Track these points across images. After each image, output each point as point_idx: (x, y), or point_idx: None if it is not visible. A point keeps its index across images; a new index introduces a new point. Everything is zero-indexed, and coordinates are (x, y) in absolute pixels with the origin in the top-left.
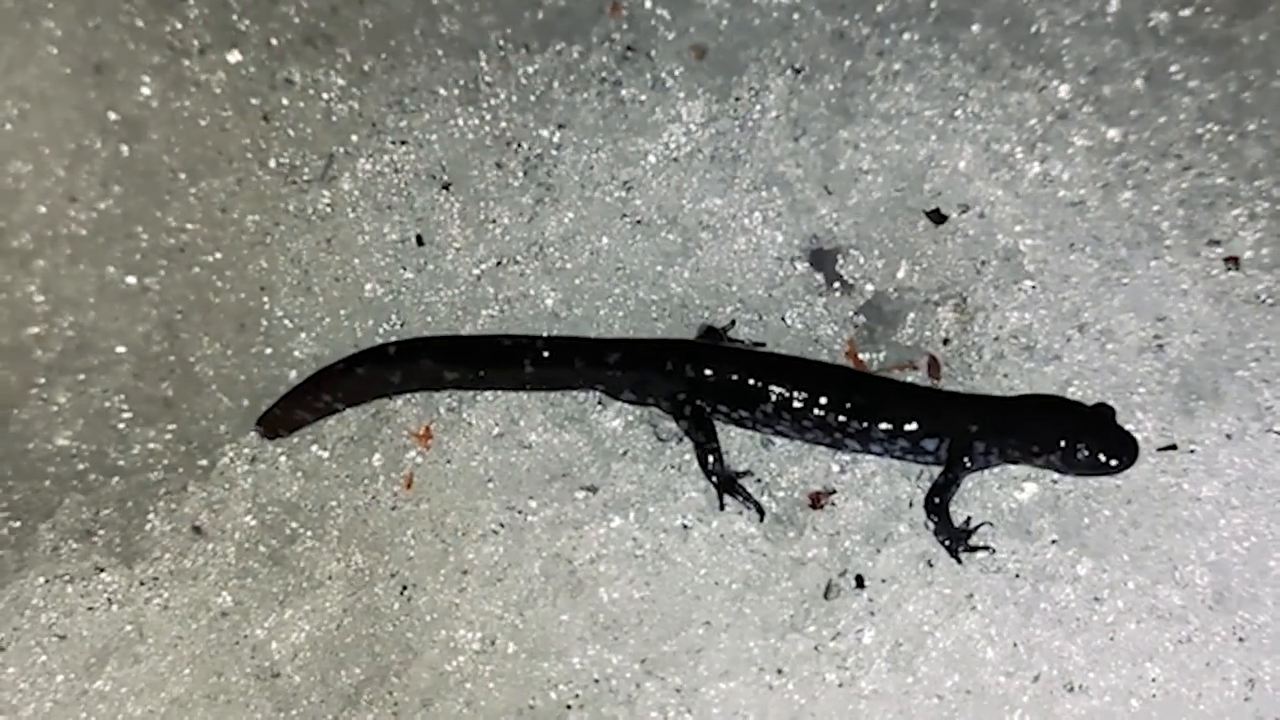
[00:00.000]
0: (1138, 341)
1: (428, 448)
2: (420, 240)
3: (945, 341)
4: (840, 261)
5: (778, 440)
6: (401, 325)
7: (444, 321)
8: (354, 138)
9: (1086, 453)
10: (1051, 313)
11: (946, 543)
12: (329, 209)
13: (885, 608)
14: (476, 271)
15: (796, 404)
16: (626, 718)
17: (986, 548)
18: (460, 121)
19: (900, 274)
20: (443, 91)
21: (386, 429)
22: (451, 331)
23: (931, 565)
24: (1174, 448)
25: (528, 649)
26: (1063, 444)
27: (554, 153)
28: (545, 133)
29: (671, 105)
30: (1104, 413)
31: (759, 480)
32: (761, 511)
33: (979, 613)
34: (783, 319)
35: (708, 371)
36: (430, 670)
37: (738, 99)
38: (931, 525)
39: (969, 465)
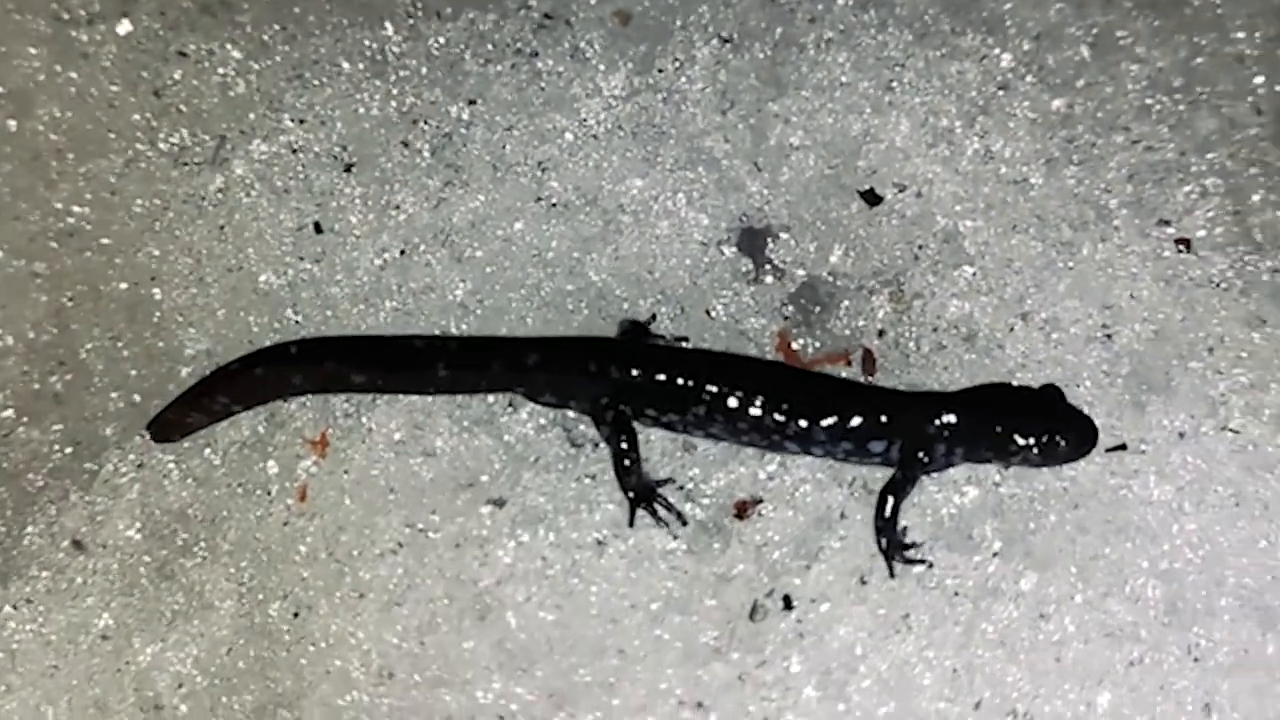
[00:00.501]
0: (1085, 330)
1: (323, 456)
2: (319, 227)
3: (880, 333)
4: (770, 245)
5: (702, 444)
6: (300, 319)
7: (345, 315)
8: (250, 116)
9: (1063, 442)
10: (993, 300)
11: (885, 548)
12: (222, 193)
13: (815, 630)
14: (379, 261)
15: (731, 404)
16: None
17: (923, 561)
18: (365, 97)
19: (834, 258)
20: (346, 65)
21: (281, 434)
22: (354, 326)
23: (865, 582)
24: (1124, 447)
25: (428, 679)
26: (1046, 438)
27: (464, 131)
28: (455, 109)
29: (591, 78)
30: (1054, 394)
31: (681, 488)
32: (684, 521)
33: (916, 634)
34: (707, 311)
35: (634, 372)
36: (323, 706)
37: (661, 70)
38: (878, 525)
39: (927, 464)
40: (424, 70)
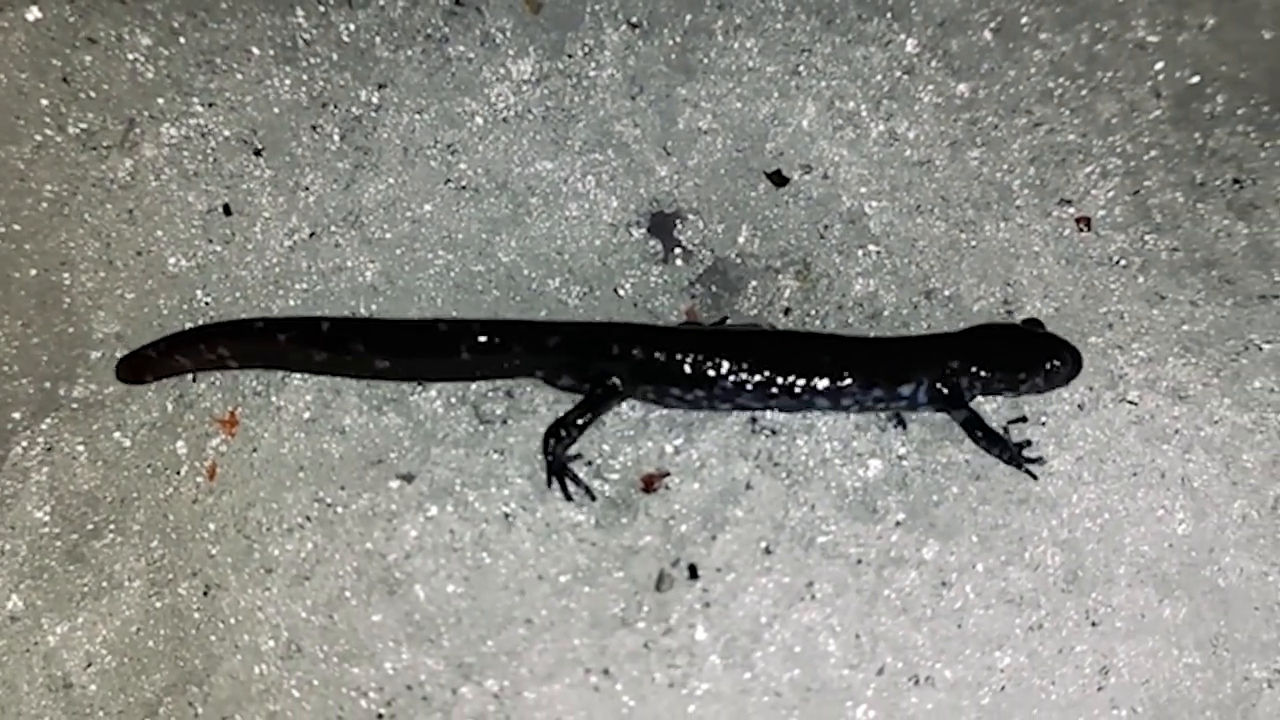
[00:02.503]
0: (987, 308)
1: (233, 435)
2: (228, 210)
3: (787, 311)
4: (679, 227)
5: (607, 419)
6: (209, 301)
7: (255, 296)
8: (159, 101)
9: (1061, 367)
10: (898, 278)
11: (1009, 458)
12: (131, 177)
13: (720, 599)
14: (289, 243)
15: (760, 377)
16: None
17: (1039, 459)
18: (275, 82)
19: (741, 239)
20: (256, 50)
21: (190, 414)
22: (264, 307)
23: (769, 552)
24: (1024, 419)
25: (337, 653)
26: (1048, 366)
27: (373, 115)
28: (365, 94)
29: (501, 63)
30: (1035, 324)
31: (590, 463)
32: (593, 497)
33: (819, 602)
34: (615, 290)
35: (658, 354)
36: (231, 679)
37: (571, 55)
38: (995, 451)
39: (956, 397)
40: (334, 55)
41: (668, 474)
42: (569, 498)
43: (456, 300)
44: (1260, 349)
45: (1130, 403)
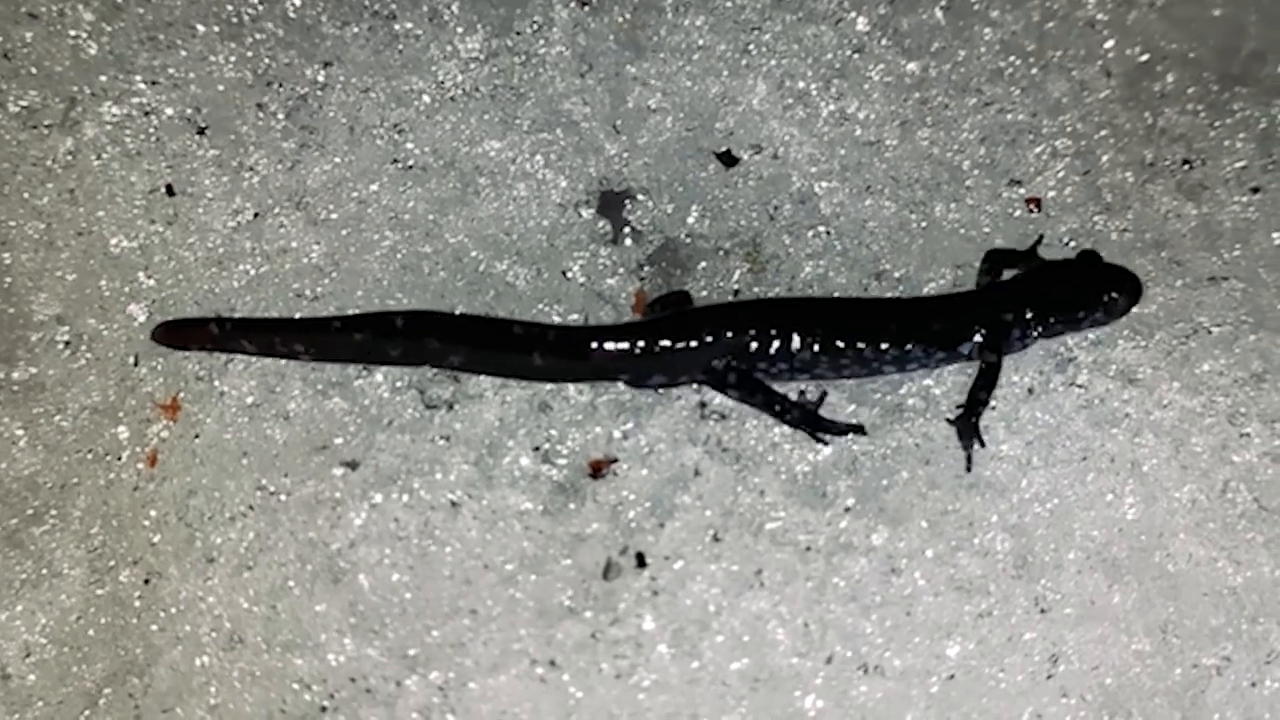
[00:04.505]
0: (938, 289)
1: (175, 420)
2: (171, 190)
3: (736, 293)
4: (628, 207)
5: (555, 405)
6: (152, 282)
7: (198, 278)
8: (102, 78)
9: (1120, 297)
10: (848, 260)
11: (963, 429)
12: (72, 156)
13: (669, 587)
14: (233, 224)
15: (839, 344)
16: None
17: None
18: (219, 59)
19: (691, 220)
20: (201, 27)
21: (132, 399)
22: (207, 289)
23: (718, 540)
24: None
25: (280, 643)
26: (1105, 299)
27: (319, 93)
28: (310, 71)
29: (448, 40)
30: (1093, 257)
31: (536, 448)
32: (862, 430)
33: (768, 590)
34: (564, 272)
35: (752, 332)
36: (172, 670)
37: (519, 33)
38: (969, 412)
39: (1011, 349)
40: (280, 32)
41: (615, 460)
42: (843, 432)
43: (403, 282)
44: (1209, 332)
45: (1079, 387)
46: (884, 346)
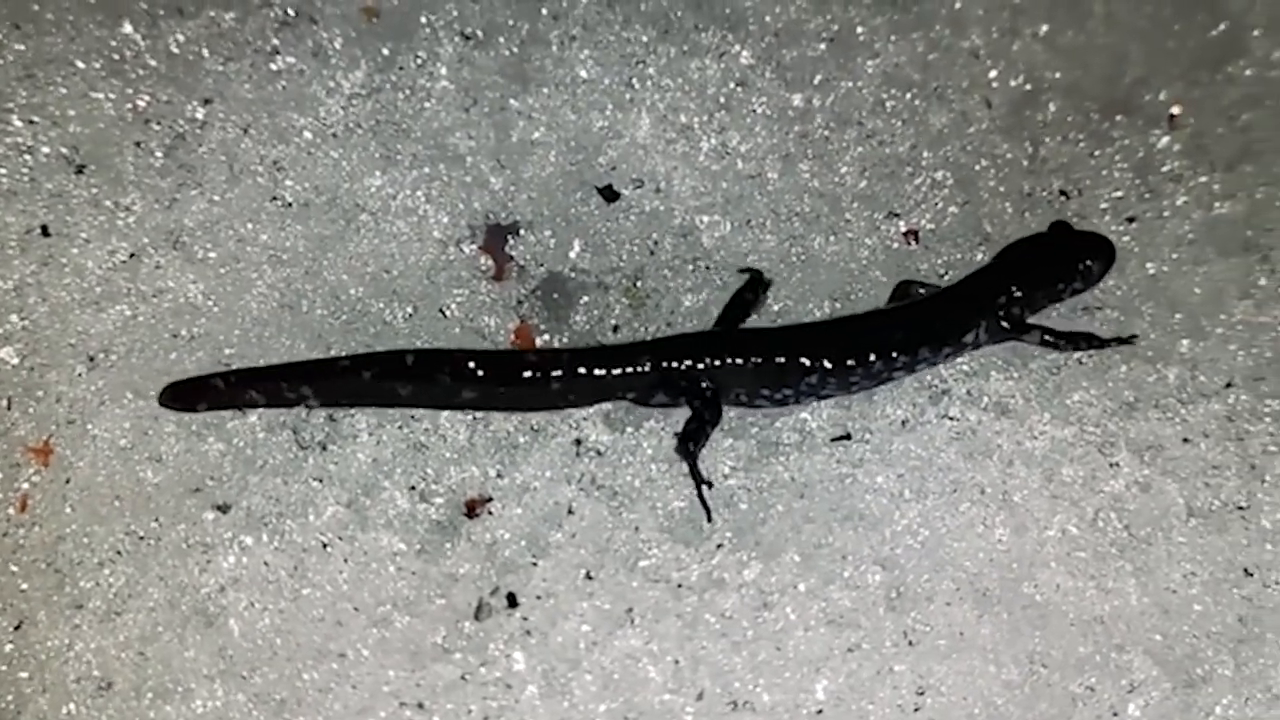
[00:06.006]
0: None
1: (46, 464)
2: (46, 230)
3: (615, 329)
4: (511, 242)
5: (434, 443)
6: (27, 324)
7: (75, 319)
8: None
9: (1094, 264)
10: (728, 293)
11: (1099, 344)
12: None
13: (540, 627)
14: (109, 264)
15: (849, 363)
16: None
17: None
18: (100, 97)
19: (573, 254)
20: (81, 64)
21: (2, 443)
22: (84, 329)
23: (591, 578)
24: (848, 437)
25: (149, 689)
26: (1080, 267)
27: (198, 131)
28: (190, 108)
29: (331, 75)
30: (1064, 228)
31: (413, 488)
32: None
33: (639, 628)
34: (441, 310)
35: (755, 359)
36: (39, 719)
37: (403, 68)
38: (1083, 347)
39: (1010, 328)
40: (162, 69)
41: (490, 499)
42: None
43: (282, 321)
44: (1080, 362)
45: (951, 419)
46: (894, 355)
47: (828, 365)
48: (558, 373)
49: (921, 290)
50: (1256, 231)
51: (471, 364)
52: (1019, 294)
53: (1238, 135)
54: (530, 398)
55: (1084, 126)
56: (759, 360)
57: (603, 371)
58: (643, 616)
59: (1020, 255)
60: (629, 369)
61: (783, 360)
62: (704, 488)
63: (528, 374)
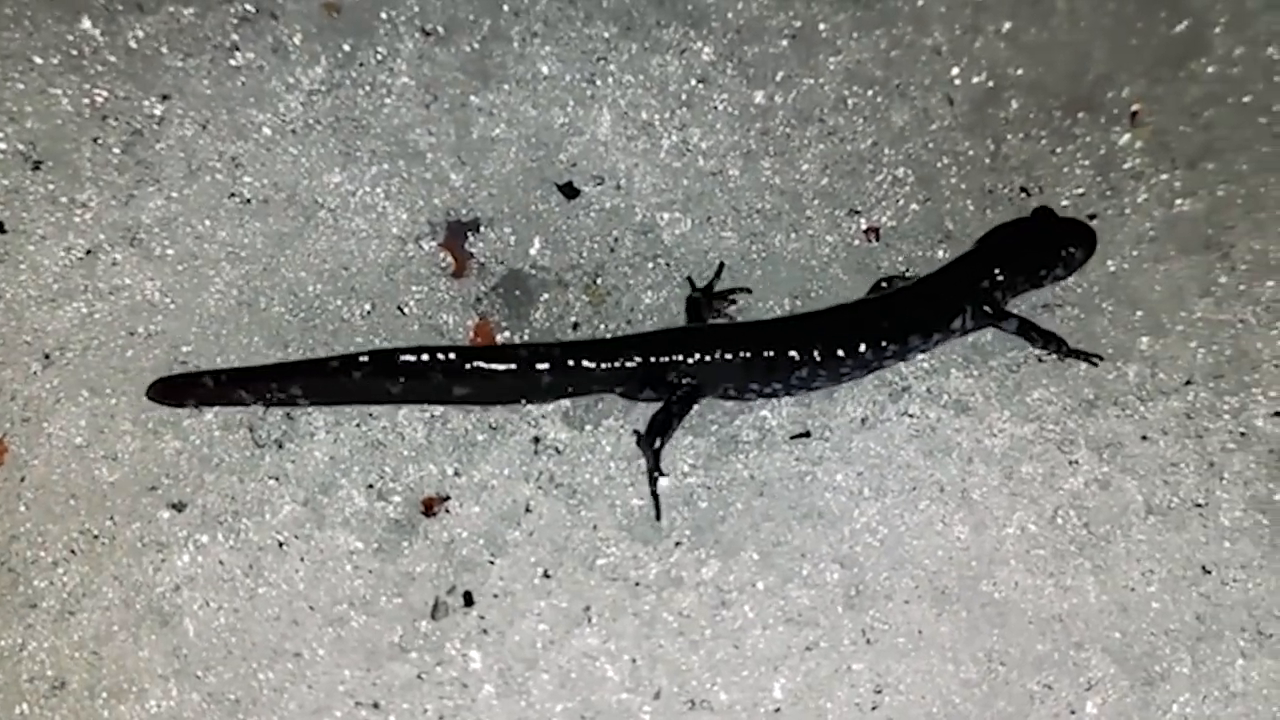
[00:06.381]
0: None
1: (1, 462)
2: (2, 227)
3: (575, 326)
4: (471, 239)
5: (392, 442)
6: None
7: (31, 316)
8: None
9: (1076, 251)
10: (687, 290)
11: (1066, 353)
12: None
13: (497, 626)
14: (65, 261)
15: (840, 353)
16: None
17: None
18: (58, 93)
19: (533, 251)
20: (39, 59)
21: None
22: (40, 328)
23: (549, 576)
24: (808, 435)
25: (103, 689)
26: (1064, 254)
27: (156, 127)
28: (148, 104)
29: (291, 71)
30: (1047, 214)
31: (370, 486)
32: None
33: (597, 627)
34: (400, 308)
35: (744, 353)
36: None
37: (363, 64)
38: (1044, 343)
39: (993, 313)
40: (121, 64)
41: (448, 497)
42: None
43: (239, 319)
44: (1040, 360)
45: (911, 416)
46: (884, 344)
47: (818, 357)
48: (545, 366)
49: (901, 281)
50: (1217, 229)
51: (462, 361)
52: (1000, 277)
53: (1199, 133)
54: (522, 392)
55: (1046, 124)
56: (748, 355)
57: (592, 365)
58: (600, 615)
59: (1002, 240)
60: (616, 363)
61: (771, 354)
62: (659, 482)
63: (516, 367)
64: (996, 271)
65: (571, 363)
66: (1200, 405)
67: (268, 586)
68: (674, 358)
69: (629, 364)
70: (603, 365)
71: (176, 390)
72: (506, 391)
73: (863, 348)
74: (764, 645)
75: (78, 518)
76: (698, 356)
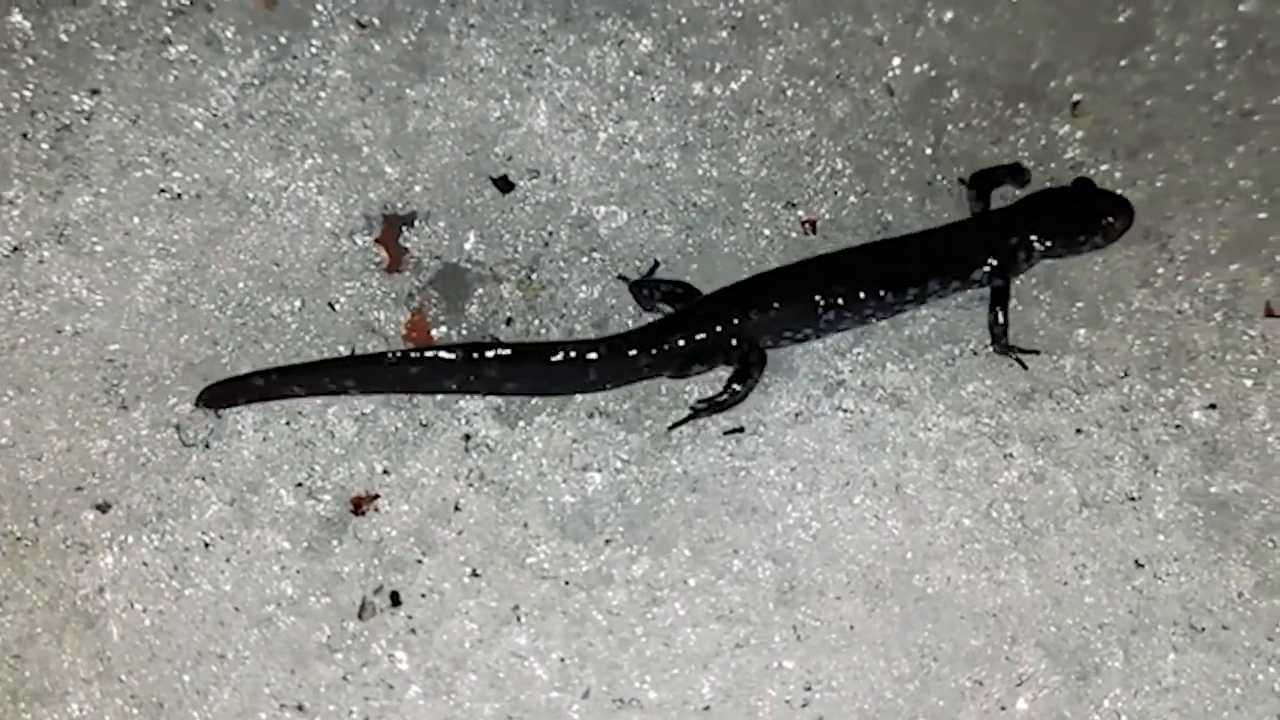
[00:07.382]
0: None
1: None
2: None
3: (509, 321)
4: (405, 233)
5: (321, 439)
6: None
7: None
8: None
9: (1115, 220)
10: (622, 285)
11: (1004, 349)
12: None
13: (425, 626)
14: None
15: (861, 296)
16: None
17: (1035, 351)
18: None
19: (468, 245)
20: None
21: None
22: None
23: (477, 575)
24: (741, 430)
25: (26, 693)
26: (1104, 223)
27: (85, 122)
28: (77, 99)
29: (224, 65)
30: (1087, 185)
31: (300, 484)
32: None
33: (525, 625)
34: (331, 304)
35: (774, 308)
36: None
37: (297, 57)
38: (996, 334)
39: (1018, 271)
40: (52, 58)
41: (378, 495)
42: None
43: (168, 317)
44: (975, 353)
45: (845, 410)
46: (905, 288)
47: (840, 301)
48: (593, 356)
49: (992, 183)
50: (1156, 219)
51: (516, 357)
52: (1034, 240)
53: (1140, 122)
54: (573, 384)
55: (987, 114)
56: (779, 305)
57: (635, 353)
58: (529, 614)
59: (1043, 203)
60: (664, 347)
61: (805, 301)
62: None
63: (566, 363)
64: (1029, 231)
65: (615, 352)
66: (1136, 398)
67: (194, 588)
68: (718, 328)
69: (672, 345)
70: (651, 351)
71: (227, 393)
72: (560, 385)
73: (885, 291)
74: (694, 643)
75: (1, 519)
76: (739, 320)
